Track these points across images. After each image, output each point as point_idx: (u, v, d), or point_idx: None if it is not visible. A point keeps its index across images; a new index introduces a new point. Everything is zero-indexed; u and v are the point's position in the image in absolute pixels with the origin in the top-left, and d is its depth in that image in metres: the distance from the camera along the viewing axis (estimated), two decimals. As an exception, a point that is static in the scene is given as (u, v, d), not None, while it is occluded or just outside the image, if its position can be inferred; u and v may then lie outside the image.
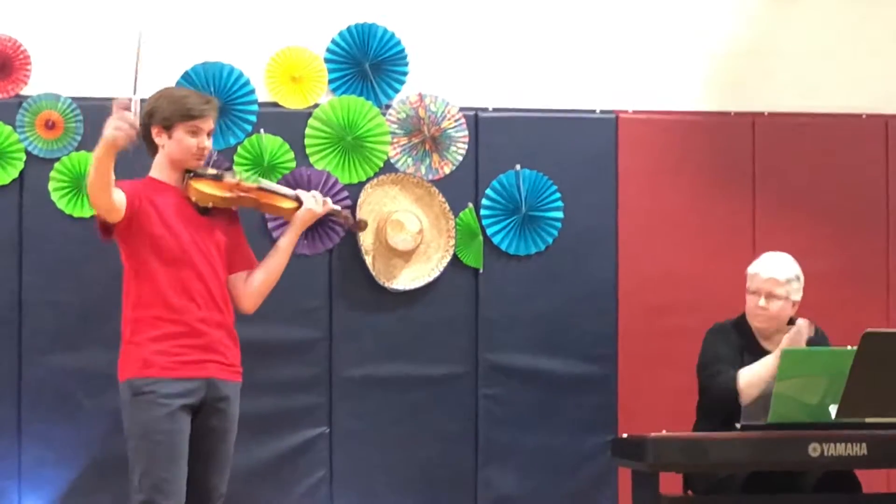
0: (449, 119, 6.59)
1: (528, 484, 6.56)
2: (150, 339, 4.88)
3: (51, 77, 6.32)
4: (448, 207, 6.55)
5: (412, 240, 6.47)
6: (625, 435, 5.53)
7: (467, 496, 6.55)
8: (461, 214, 6.57)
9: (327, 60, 6.54)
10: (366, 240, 6.41)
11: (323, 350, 6.46)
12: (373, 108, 6.52)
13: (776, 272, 5.72)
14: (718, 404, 5.62)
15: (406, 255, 6.49)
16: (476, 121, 6.62)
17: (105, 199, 4.72)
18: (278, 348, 6.35)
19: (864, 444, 5.20)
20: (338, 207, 5.29)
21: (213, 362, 4.93)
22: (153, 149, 5.02)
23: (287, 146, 6.45)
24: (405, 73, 6.58)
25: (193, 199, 4.97)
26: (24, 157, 6.27)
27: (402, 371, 6.51)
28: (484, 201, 6.59)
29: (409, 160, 6.56)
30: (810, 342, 5.64)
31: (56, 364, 6.24)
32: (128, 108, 4.64)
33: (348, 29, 6.54)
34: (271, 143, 6.44)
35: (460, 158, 6.60)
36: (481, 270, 6.59)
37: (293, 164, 6.45)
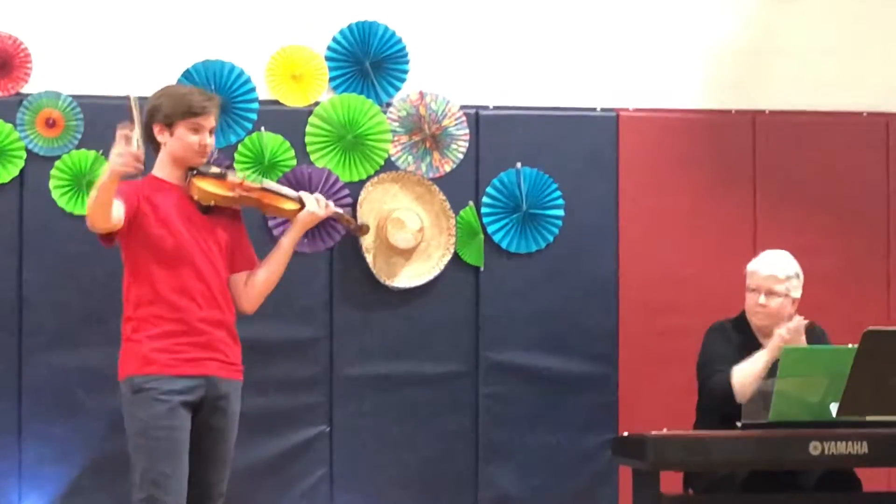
0: (450, 117, 6.58)
1: (528, 483, 6.56)
2: (150, 337, 4.87)
3: (51, 75, 6.32)
4: (448, 205, 6.55)
5: (413, 238, 6.47)
6: (625, 433, 5.52)
7: (468, 495, 6.55)
8: (462, 212, 6.57)
9: (328, 58, 6.54)
10: (366, 238, 6.41)
11: (323, 348, 6.46)
12: (373, 107, 6.52)
13: (776, 269, 5.72)
14: (716, 403, 5.62)
15: (407, 254, 6.49)
16: (477, 119, 6.62)
17: (103, 222, 4.75)
18: (279, 347, 6.35)
19: (864, 443, 5.19)
20: (340, 210, 5.26)
21: (213, 360, 4.93)
22: (156, 147, 5.02)
23: (288, 144, 6.45)
24: (406, 72, 6.58)
25: (196, 197, 4.96)
26: (25, 156, 6.27)
27: (403, 369, 6.51)
28: (485, 199, 6.59)
29: (410, 158, 6.56)
30: (810, 340, 5.66)
31: (56, 363, 6.24)
32: (129, 138, 4.64)
33: (349, 27, 6.54)
34: (272, 142, 6.43)
35: (461, 156, 6.59)
36: (482, 269, 6.59)
37: (294, 163, 6.44)
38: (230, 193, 4.99)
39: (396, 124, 6.55)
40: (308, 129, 6.48)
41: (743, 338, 5.75)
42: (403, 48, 6.58)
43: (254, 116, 6.44)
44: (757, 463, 5.30)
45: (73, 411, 6.23)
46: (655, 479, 5.29)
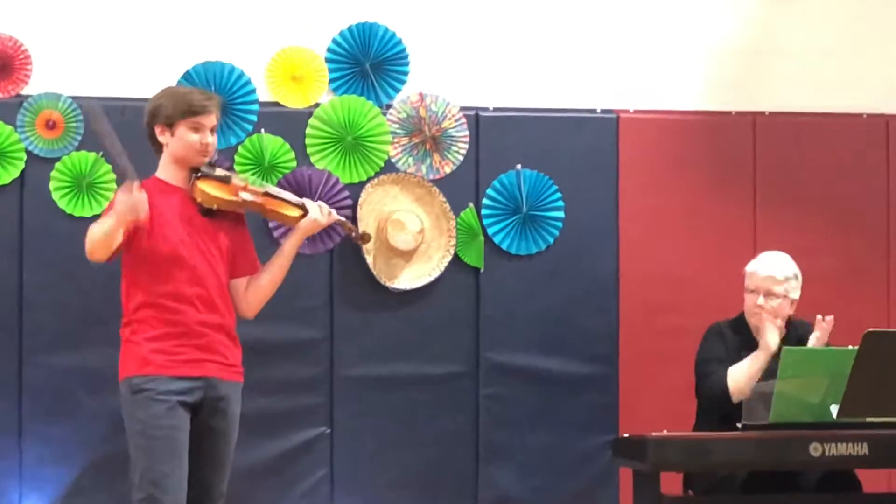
0: (450, 119, 6.59)
1: (528, 483, 6.56)
2: (149, 339, 4.87)
3: (51, 77, 6.32)
4: (449, 207, 6.55)
5: (413, 239, 6.47)
6: (626, 435, 5.53)
7: (468, 496, 6.55)
8: (462, 214, 6.57)
9: (328, 60, 6.54)
10: (367, 240, 6.42)
11: (324, 350, 6.46)
12: (373, 108, 6.52)
13: (774, 270, 5.73)
14: (713, 403, 5.63)
15: (407, 255, 6.49)
16: (477, 120, 6.63)
17: (103, 257, 4.81)
18: (279, 348, 6.35)
19: (865, 444, 5.19)
20: (342, 218, 5.24)
21: (212, 362, 4.92)
22: (158, 148, 5.01)
23: (288, 146, 6.45)
24: (406, 73, 6.58)
25: (198, 199, 4.95)
26: (25, 157, 6.27)
27: (403, 371, 6.51)
28: (485, 201, 6.59)
29: (410, 160, 6.56)
30: (801, 335, 5.67)
31: (56, 364, 6.24)
32: (131, 189, 4.66)
33: (349, 28, 6.54)
34: (272, 143, 6.43)
35: (461, 158, 6.60)
36: (482, 270, 6.59)
37: (294, 164, 6.44)
38: (233, 198, 4.98)
39: (396, 126, 6.55)
40: (308, 130, 6.48)
41: (741, 339, 5.76)
42: (403, 50, 6.58)
43: (254, 118, 6.44)
44: (757, 464, 5.30)
45: (74, 412, 6.24)
46: (656, 480, 5.29)
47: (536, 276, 6.60)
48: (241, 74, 6.42)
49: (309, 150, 6.48)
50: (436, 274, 6.52)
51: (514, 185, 6.60)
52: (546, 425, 6.58)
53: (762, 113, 6.83)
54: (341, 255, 6.45)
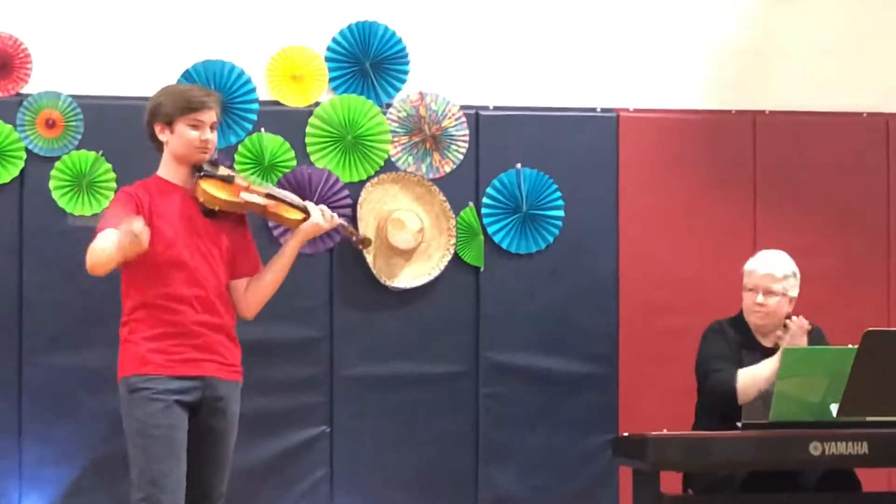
0: (450, 118, 6.58)
1: (528, 483, 6.56)
2: (147, 338, 4.87)
3: (51, 75, 6.32)
4: (449, 206, 6.55)
5: (413, 238, 6.47)
6: (625, 434, 5.53)
7: (467, 495, 6.55)
8: (462, 213, 6.57)
9: (328, 59, 6.54)
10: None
11: (324, 349, 6.46)
12: (373, 107, 6.52)
13: (773, 268, 5.74)
14: (715, 401, 5.63)
15: (407, 254, 6.49)
16: (477, 119, 6.62)
17: (101, 274, 4.84)
18: (279, 347, 6.35)
19: (865, 443, 5.20)
20: (344, 223, 5.23)
21: (210, 361, 4.92)
22: (158, 147, 5.01)
23: (288, 145, 6.45)
24: (406, 72, 6.58)
25: (200, 199, 4.94)
26: (25, 156, 6.27)
27: (403, 370, 6.51)
28: (485, 200, 6.59)
29: (410, 159, 6.56)
30: (811, 342, 5.67)
31: (56, 364, 6.24)
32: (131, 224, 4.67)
33: (349, 27, 6.54)
34: (272, 142, 6.43)
35: (461, 157, 6.60)
36: (482, 269, 6.59)
37: (294, 163, 6.44)
38: (236, 199, 4.97)
39: (396, 125, 6.55)
40: (308, 129, 6.47)
41: (741, 337, 5.77)
42: (403, 49, 6.58)
43: (254, 117, 6.44)
44: (757, 463, 5.30)
45: (73, 412, 6.23)
46: (655, 479, 5.30)
47: (536, 276, 6.60)
48: (241, 73, 6.42)
49: (309, 150, 6.48)
50: (436, 273, 6.52)
51: (514, 184, 6.60)
52: (546, 425, 6.57)
53: (762, 112, 6.83)
54: (341, 254, 6.45)
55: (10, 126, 6.25)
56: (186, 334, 4.88)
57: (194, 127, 4.95)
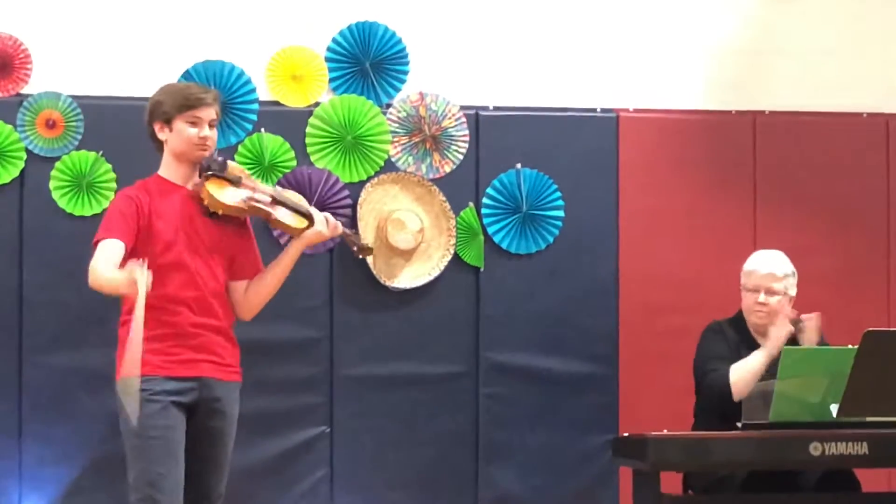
0: (449, 118, 6.58)
1: (528, 483, 6.56)
2: (144, 339, 4.85)
3: (51, 76, 6.32)
4: (449, 206, 6.55)
5: (413, 239, 6.47)
6: (626, 434, 5.53)
7: (467, 495, 6.55)
8: (462, 213, 6.57)
9: (328, 59, 6.54)
10: (367, 238, 6.40)
11: (324, 349, 6.46)
12: (373, 107, 6.52)
13: (774, 268, 5.76)
14: (714, 401, 5.63)
15: (407, 254, 6.49)
16: (477, 120, 6.62)
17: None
18: (279, 347, 6.35)
19: (865, 444, 5.20)
20: (347, 231, 5.21)
21: (206, 362, 4.90)
22: (158, 145, 5.00)
23: (287, 145, 6.45)
24: (406, 72, 6.58)
25: (205, 202, 4.92)
26: (25, 156, 6.27)
27: (403, 370, 6.51)
28: (485, 200, 6.59)
29: (410, 159, 6.56)
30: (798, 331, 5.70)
31: (56, 364, 6.24)
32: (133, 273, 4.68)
33: (349, 28, 6.54)
34: (272, 142, 6.43)
35: (461, 157, 6.60)
36: (482, 269, 6.59)
37: (294, 163, 6.44)
38: (241, 206, 4.95)
39: (396, 125, 6.55)
40: (308, 129, 6.48)
41: (739, 337, 5.77)
42: (403, 49, 6.58)
43: (254, 117, 6.44)
44: (757, 463, 5.30)
45: (73, 412, 6.23)
46: (656, 479, 5.30)
47: (536, 276, 6.60)
48: (241, 73, 6.42)
49: (309, 150, 6.48)
50: (436, 273, 6.52)
51: (514, 184, 6.60)
52: (546, 425, 6.57)
53: (762, 112, 6.83)
54: (341, 254, 6.45)
55: (10, 126, 6.25)
56: (183, 336, 4.87)
57: (193, 124, 4.93)
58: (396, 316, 6.51)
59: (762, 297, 5.72)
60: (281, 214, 5.02)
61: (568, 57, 6.72)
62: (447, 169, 6.59)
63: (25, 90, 6.32)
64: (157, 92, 5.05)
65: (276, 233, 6.23)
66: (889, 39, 6.97)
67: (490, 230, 6.58)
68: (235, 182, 4.95)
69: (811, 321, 5.69)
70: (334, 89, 6.54)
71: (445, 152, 6.58)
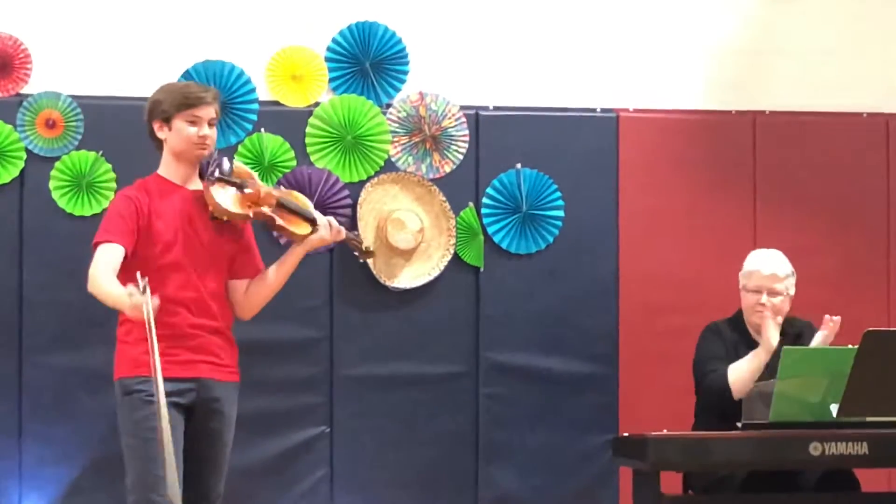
0: (449, 118, 6.58)
1: (528, 483, 6.56)
2: (142, 340, 4.83)
3: (51, 76, 6.32)
4: (449, 206, 6.55)
5: (413, 239, 6.47)
6: (626, 434, 5.53)
7: (468, 495, 6.55)
8: (462, 213, 6.57)
9: (328, 59, 6.54)
10: (367, 240, 6.40)
11: (324, 349, 6.46)
12: (373, 107, 6.52)
13: (776, 268, 5.77)
14: (713, 401, 5.64)
15: (407, 254, 6.49)
16: (477, 120, 6.62)
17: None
18: (279, 347, 6.35)
19: (865, 444, 5.20)
20: (350, 235, 5.21)
21: (204, 363, 4.90)
22: (158, 145, 5.00)
23: (287, 145, 6.45)
24: (406, 72, 6.58)
25: (210, 207, 4.91)
26: (25, 156, 6.27)
27: (403, 370, 6.51)
28: (485, 200, 6.59)
29: (410, 159, 6.56)
30: (797, 332, 5.69)
31: (56, 364, 6.24)
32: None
33: (349, 28, 6.54)
34: (272, 142, 6.43)
35: (461, 157, 6.60)
36: (482, 269, 6.59)
37: (294, 163, 6.44)
38: (246, 212, 4.94)
39: (396, 125, 6.55)
40: (308, 129, 6.47)
41: (738, 337, 5.78)
42: (403, 49, 6.58)
43: (254, 117, 6.44)
44: (757, 463, 5.30)
45: (74, 412, 6.23)
46: (656, 479, 5.30)
47: (536, 276, 6.60)
48: (241, 73, 6.42)
49: (309, 150, 6.48)
50: (435, 273, 6.52)
51: (514, 184, 6.60)
52: (546, 425, 6.57)
53: (762, 112, 6.83)
54: (341, 254, 6.44)
55: (10, 126, 6.25)
56: (181, 336, 4.87)
57: (192, 123, 4.94)
58: (396, 316, 6.51)
59: (764, 298, 5.72)
60: (285, 220, 5.02)
61: (568, 57, 6.72)
62: (447, 169, 6.59)
63: (25, 90, 6.31)
64: (157, 91, 5.05)
65: (275, 233, 6.23)
66: (889, 39, 6.97)
67: (490, 230, 6.58)
68: (241, 186, 4.94)
69: (833, 327, 5.65)
70: (334, 89, 6.54)
71: (445, 152, 6.58)
